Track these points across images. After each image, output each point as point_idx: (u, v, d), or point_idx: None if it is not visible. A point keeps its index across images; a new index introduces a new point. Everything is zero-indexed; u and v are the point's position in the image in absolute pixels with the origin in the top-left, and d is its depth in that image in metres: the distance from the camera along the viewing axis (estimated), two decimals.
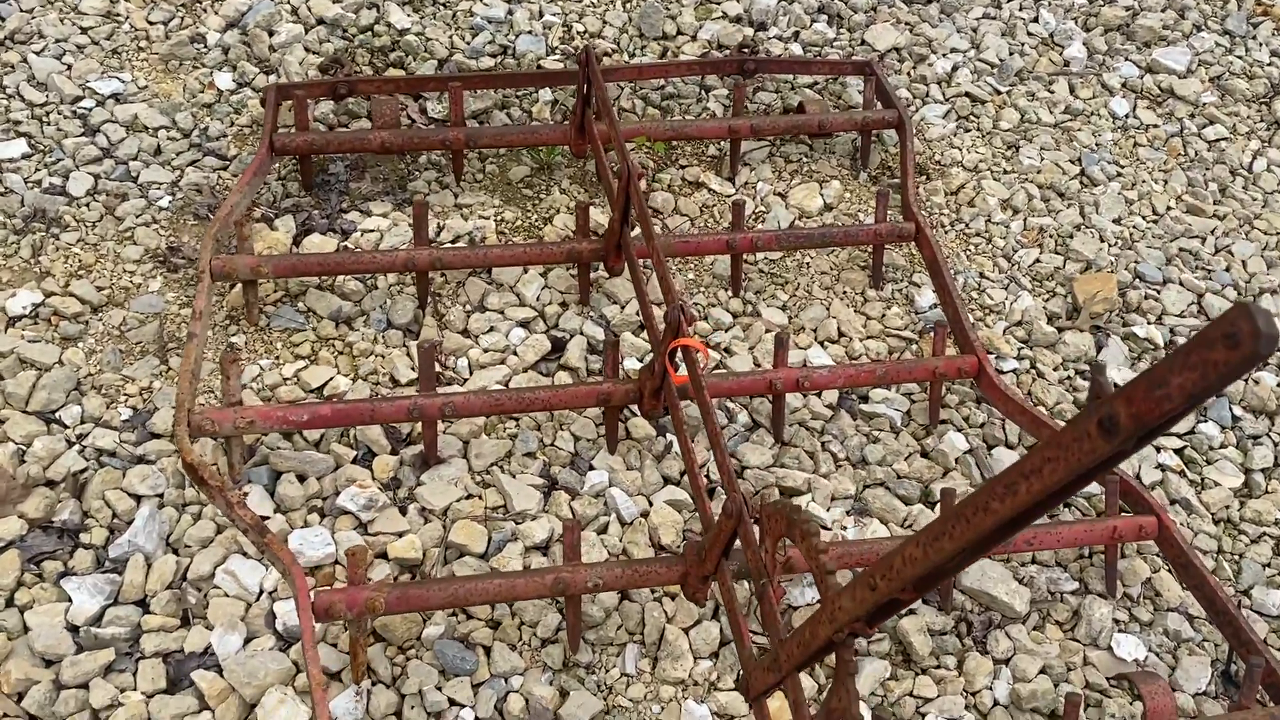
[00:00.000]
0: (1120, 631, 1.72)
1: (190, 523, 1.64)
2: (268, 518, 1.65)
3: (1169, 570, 1.80)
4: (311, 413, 1.63)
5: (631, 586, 1.51)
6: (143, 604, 1.56)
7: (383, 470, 1.73)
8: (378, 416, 1.65)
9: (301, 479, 1.71)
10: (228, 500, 1.48)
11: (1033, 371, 2.11)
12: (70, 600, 1.53)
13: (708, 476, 1.81)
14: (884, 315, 2.15)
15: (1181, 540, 1.69)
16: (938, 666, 1.64)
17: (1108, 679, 1.67)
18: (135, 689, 1.47)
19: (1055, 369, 2.13)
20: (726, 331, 2.05)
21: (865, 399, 1.99)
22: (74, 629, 1.51)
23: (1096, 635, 1.70)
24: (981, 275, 2.28)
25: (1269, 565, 1.90)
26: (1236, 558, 1.90)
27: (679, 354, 1.61)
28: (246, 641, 1.52)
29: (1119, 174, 2.57)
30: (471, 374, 1.90)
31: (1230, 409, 2.13)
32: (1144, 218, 2.47)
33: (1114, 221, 2.44)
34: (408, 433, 1.78)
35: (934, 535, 0.83)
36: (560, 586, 1.46)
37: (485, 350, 1.93)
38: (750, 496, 1.39)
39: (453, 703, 1.50)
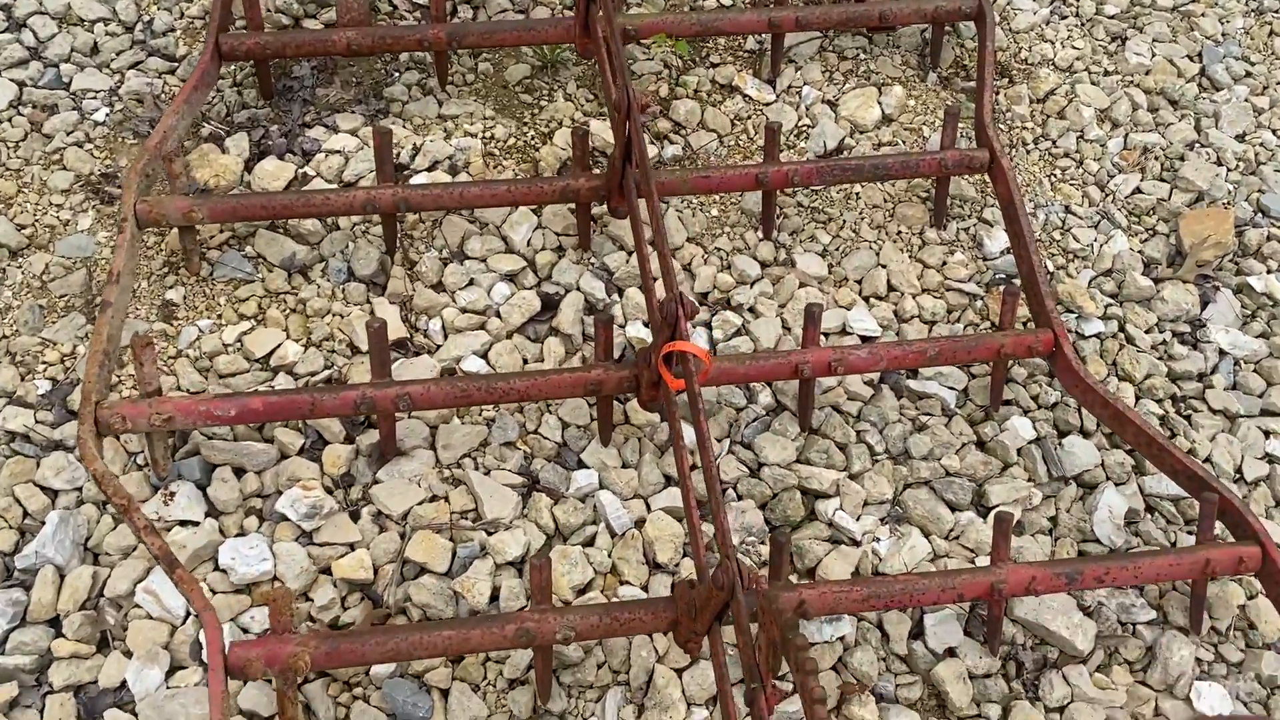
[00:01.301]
0: (1202, 677, 1.48)
1: (111, 526, 1.45)
2: (197, 523, 1.45)
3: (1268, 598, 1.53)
4: (240, 406, 1.40)
5: (610, 635, 1.29)
6: (54, 624, 1.38)
7: (334, 464, 1.51)
8: (319, 410, 1.42)
9: (239, 473, 1.50)
10: (134, 524, 1.27)
11: (1121, 335, 1.80)
12: None
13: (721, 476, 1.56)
14: (945, 263, 1.84)
15: None
16: (977, 716, 1.42)
17: None
18: None
19: (1148, 331, 1.81)
20: (752, 287, 1.76)
21: (914, 374, 1.71)
22: None
23: (1173, 681, 1.46)
24: (1067, 210, 1.94)
25: None
26: None
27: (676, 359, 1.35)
28: (170, 673, 1.35)
29: (1248, 73, 2.17)
30: (446, 339, 1.65)
31: None
32: (1275, 133, 2.08)
33: (1237, 138, 2.06)
34: (365, 416, 1.55)
35: None
36: (525, 638, 1.25)
37: (463, 310, 1.67)
38: (748, 570, 1.14)
39: None
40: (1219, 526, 1.51)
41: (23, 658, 1.34)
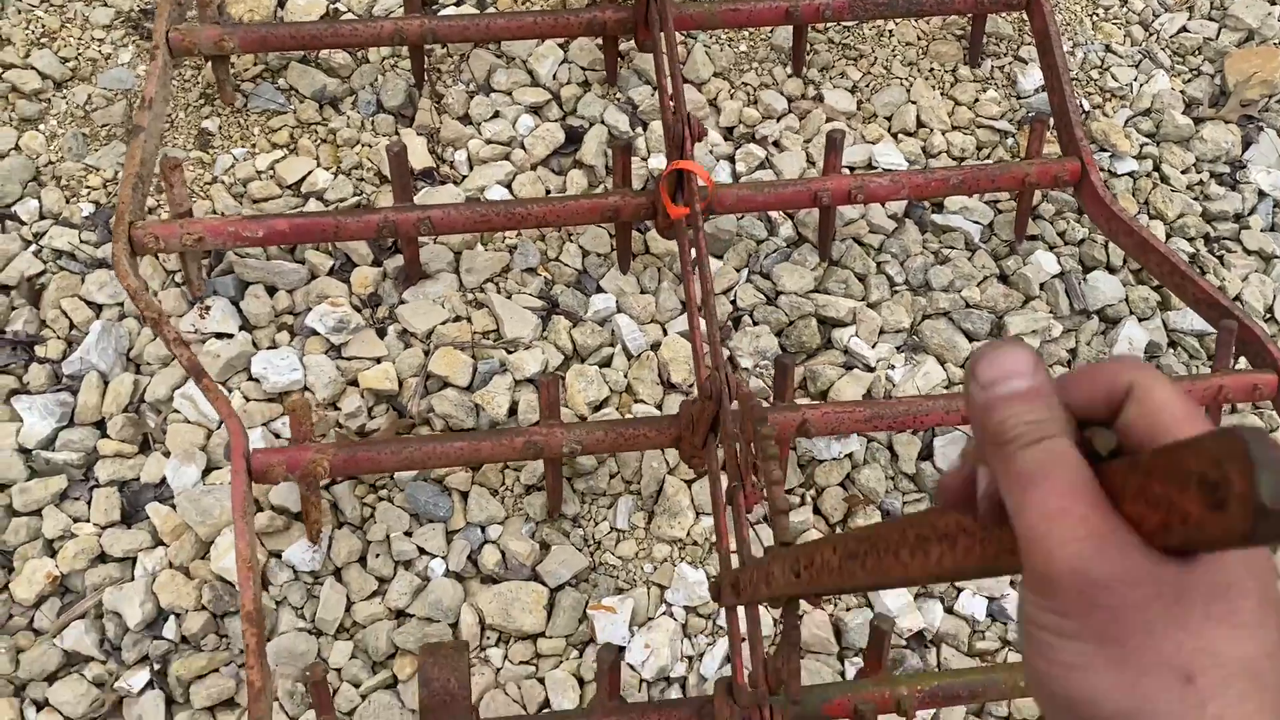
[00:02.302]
0: None
1: (150, 338, 1.53)
2: (231, 335, 1.53)
3: None
4: (267, 227, 1.47)
5: (617, 450, 1.35)
6: (100, 426, 1.48)
7: (362, 284, 1.58)
8: (343, 232, 1.48)
9: (271, 291, 1.57)
10: (164, 335, 1.35)
11: (1155, 175, 1.78)
12: (21, 421, 1.46)
13: (734, 303, 1.60)
14: (977, 100, 1.83)
15: None
16: None
17: None
18: (88, 520, 1.42)
19: (1184, 171, 1.79)
20: (778, 121, 1.77)
21: (939, 207, 1.72)
22: (25, 452, 1.45)
23: None
24: (1107, 49, 1.91)
25: None
26: None
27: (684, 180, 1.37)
28: (206, 473, 1.45)
29: None
30: (471, 170, 1.70)
31: None
32: None
33: None
34: (393, 240, 1.61)
35: (850, 552, 0.64)
36: (533, 450, 1.32)
37: (488, 142, 1.71)
38: (736, 381, 1.18)
39: (423, 552, 1.41)
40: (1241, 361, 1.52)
41: (71, 454, 1.45)
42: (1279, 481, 0.34)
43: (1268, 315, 1.68)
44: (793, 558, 0.80)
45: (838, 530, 1.45)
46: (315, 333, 1.53)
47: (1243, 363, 1.51)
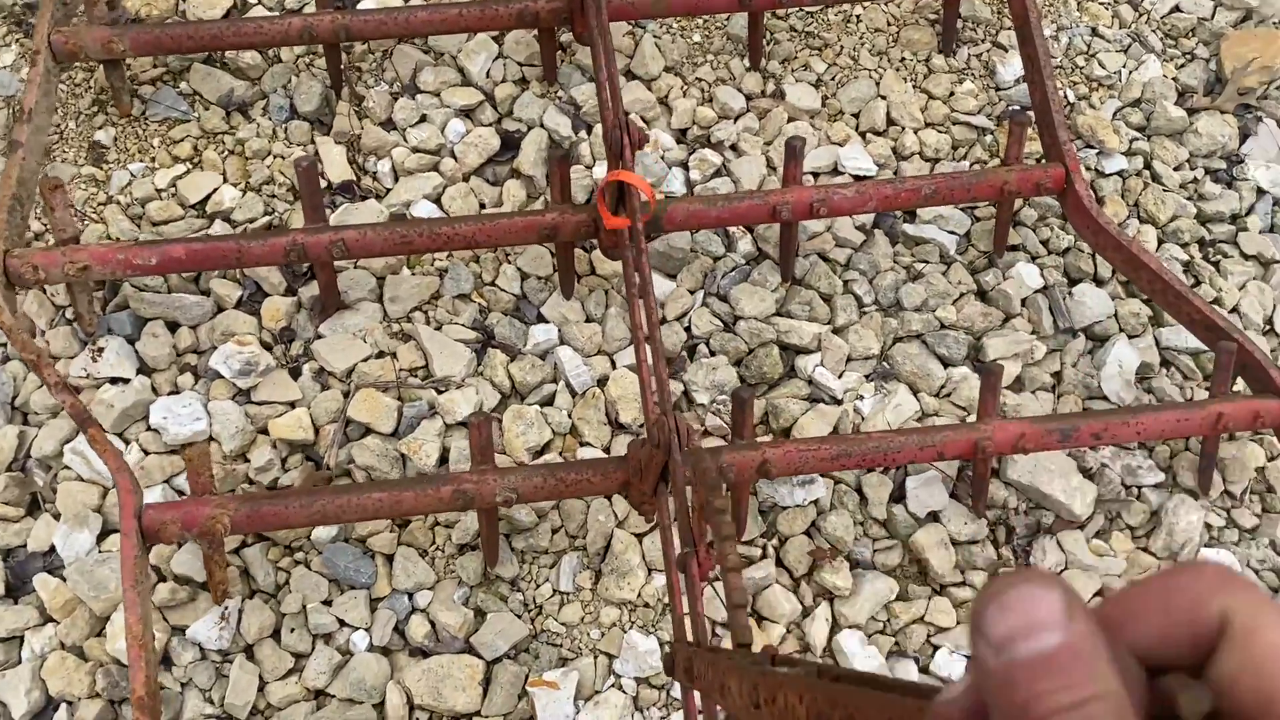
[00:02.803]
0: (1211, 544, 1.39)
1: (37, 384, 1.38)
2: (127, 380, 1.38)
3: None
4: (161, 254, 1.31)
5: (557, 497, 1.22)
6: None
7: (273, 317, 1.43)
8: (246, 258, 1.33)
9: (172, 328, 1.42)
10: (46, 379, 1.21)
11: (1146, 173, 1.65)
12: None
13: (688, 330, 1.47)
14: (952, 94, 1.68)
15: None
16: (961, 584, 1.34)
17: None
18: None
19: (1177, 168, 1.66)
20: (736, 122, 1.62)
21: (911, 216, 1.58)
22: None
23: (1178, 548, 1.37)
24: (1094, 32, 1.76)
25: None
26: None
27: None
28: (102, 538, 1.31)
29: None
30: (396, 182, 1.55)
31: None
32: None
33: None
34: (307, 266, 1.46)
35: (819, 714, 0.50)
36: (462, 499, 1.19)
37: (414, 150, 1.56)
38: (686, 427, 1.05)
39: (343, 624, 1.28)
40: (1239, 384, 1.40)
41: None
42: None
43: (1267, 327, 1.56)
44: (751, 683, 0.67)
45: (802, 585, 1.33)
46: (220, 375, 1.38)
47: (1240, 385, 1.40)
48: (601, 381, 1.41)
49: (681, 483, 1.01)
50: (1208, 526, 1.40)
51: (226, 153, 1.56)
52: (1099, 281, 1.55)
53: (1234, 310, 1.56)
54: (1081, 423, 1.28)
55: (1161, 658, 0.31)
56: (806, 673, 0.56)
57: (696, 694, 1.01)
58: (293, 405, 1.38)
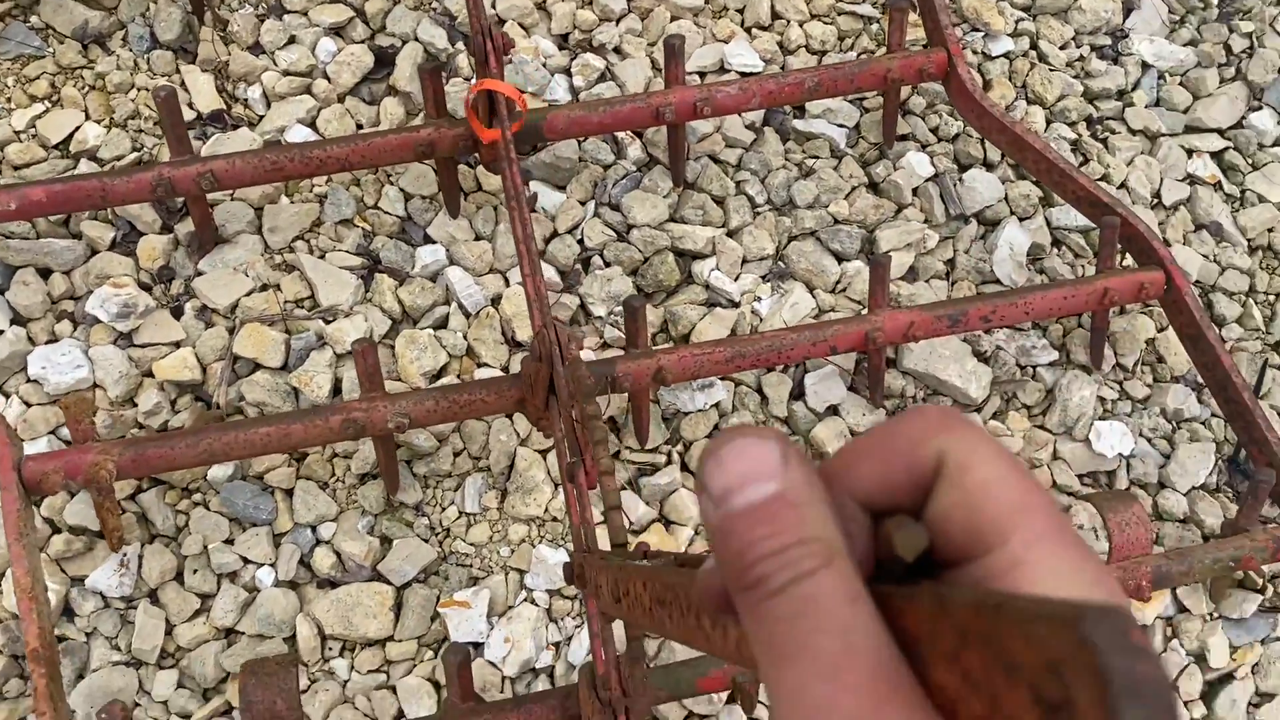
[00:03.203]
0: (1104, 417, 1.43)
1: None
2: (1, 332, 1.34)
3: None
4: (19, 198, 1.26)
5: (452, 419, 1.21)
6: None
7: (150, 256, 1.39)
8: (111, 197, 1.28)
9: (45, 274, 1.38)
10: None
11: (1032, 53, 1.65)
12: None
13: (581, 242, 1.45)
14: None
15: (1193, 305, 1.35)
16: None
17: (1080, 478, 1.40)
18: None
19: (1063, 47, 1.67)
20: (617, 24, 1.59)
21: (801, 112, 1.57)
22: None
23: (1073, 423, 1.41)
24: None
25: None
26: (1271, 299, 1.56)
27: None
28: None
29: None
30: (268, 108, 1.50)
31: None
32: None
33: None
34: (181, 203, 1.42)
35: (658, 598, 0.51)
36: (353, 428, 1.17)
37: (284, 73, 1.51)
38: (568, 336, 1.05)
39: (247, 561, 1.27)
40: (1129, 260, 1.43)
41: None
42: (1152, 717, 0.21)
43: (1155, 200, 1.59)
44: (613, 579, 0.68)
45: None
46: (99, 320, 1.34)
47: (1129, 260, 1.42)
48: (495, 300, 1.40)
49: (565, 394, 1.01)
50: (1101, 400, 1.44)
51: (87, 88, 1.50)
52: (989, 166, 1.56)
53: (1122, 186, 1.58)
54: (970, 307, 1.30)
55: (886, 503, 0.32)
56: (653, 563, 0.57)
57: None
58: (177, 345, 1.35)
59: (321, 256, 1.40)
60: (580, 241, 1.45)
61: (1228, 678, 1.33)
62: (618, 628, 1.11)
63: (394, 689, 1.23)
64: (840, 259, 1.47)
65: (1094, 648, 0.22)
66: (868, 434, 0.33)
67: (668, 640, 1.26)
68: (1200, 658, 1.33)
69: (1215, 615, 1.35)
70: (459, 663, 1.07)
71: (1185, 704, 1.31)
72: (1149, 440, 1.43)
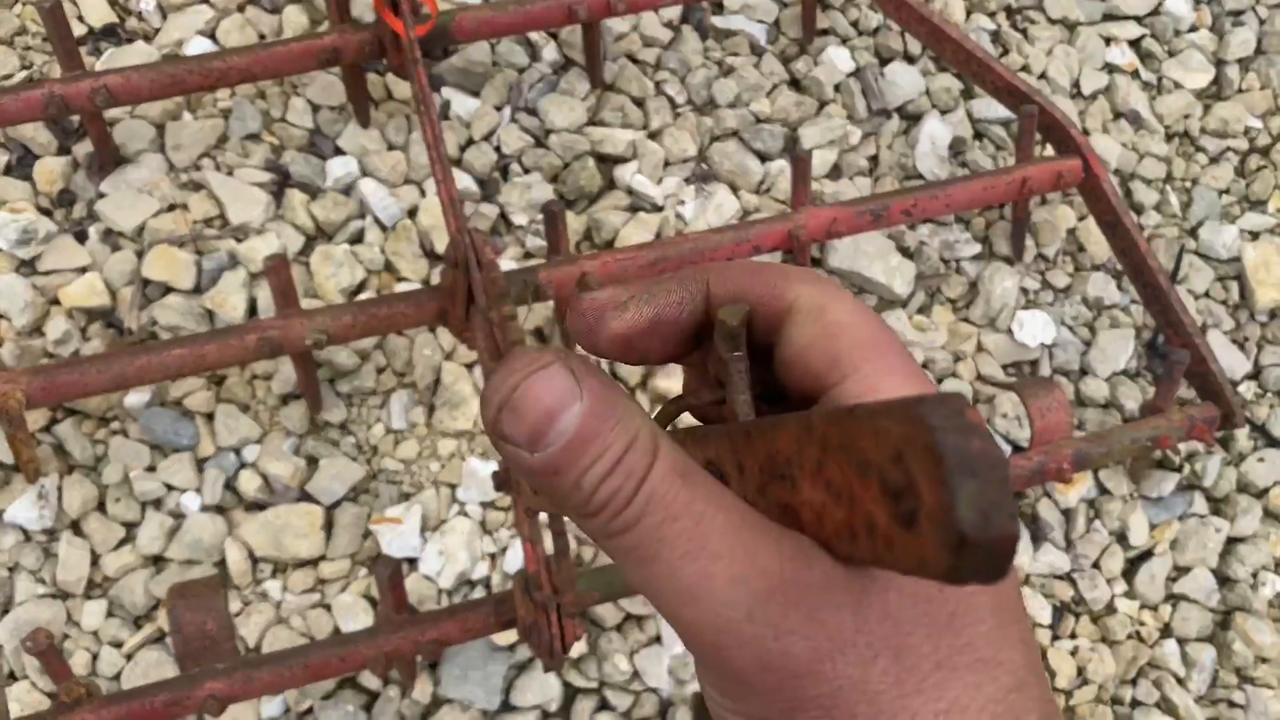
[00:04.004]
0: (1026, 307, 1.45)
1: None
2: None
3: None
4: None
5: (371, 334, 1.20)
6: None
7: (48, 180, 1.34)
8: (1, 118, 1.23)
9: None
10: None
11: None
12: None
13: (498, 149, 1.43)
14: None
15: (1110, 192, 1.37)
16: None
17: (1004, 368, 1.43)
18: None
19: None
20: None
21: (719, 8, 1.55)
22: None
23: (995, 314, 1.43)
24: None
25: (1227, 192, 1.59)
26: (1189, 185, 1.58)
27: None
28: None
29: None
30: (164, 20, 1.44)
31: None
32: None
33: None
34: (78, 123, 1.37)
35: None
36: (269, 347, 1.16)
37: None
38: (483, 241, 1.03)
39: (170, 488, 1.25)
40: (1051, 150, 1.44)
41: None
42: (982, 494, 0.22)
43: (1074, 90, 1.60)
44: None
45: (637, 394, 1.35)
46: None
47: (1050, 150, 1.44)
48: (412, 212, 1.37)
49: (483, 300, 1.00)
50: (1023, 290, 1.46)
51: None
52: (910, 59, 1.56)
53: (1042, 76, 1.59)
54: (891, 201, 1.30)
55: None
56: None
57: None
58: (83, 271, 1.31)
59: (229, 174, 1.37)
60: (497, 149, 1.42)
61: (1147, 554, 1.39)
62: (548, 538, 1.12)
63: (329, 607, 1.24)
64: (763, 158, 1.46)
65: (930, 428, 0.22)
66: (736, 267, 0.34)
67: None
68: (1121, 537, 1.38)
69: (1135, 495, 1.40)
70: (390, 574, 1.08)
71: (1107, 581, 1.36)
72: (1070, 329, 1.46)
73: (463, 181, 1.38)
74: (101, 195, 1.34)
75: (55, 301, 1.30)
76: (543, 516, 1.02)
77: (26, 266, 1.31)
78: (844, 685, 0.30)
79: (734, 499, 0.30)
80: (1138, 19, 1.66)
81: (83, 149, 1.36)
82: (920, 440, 0.23)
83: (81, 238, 1.33)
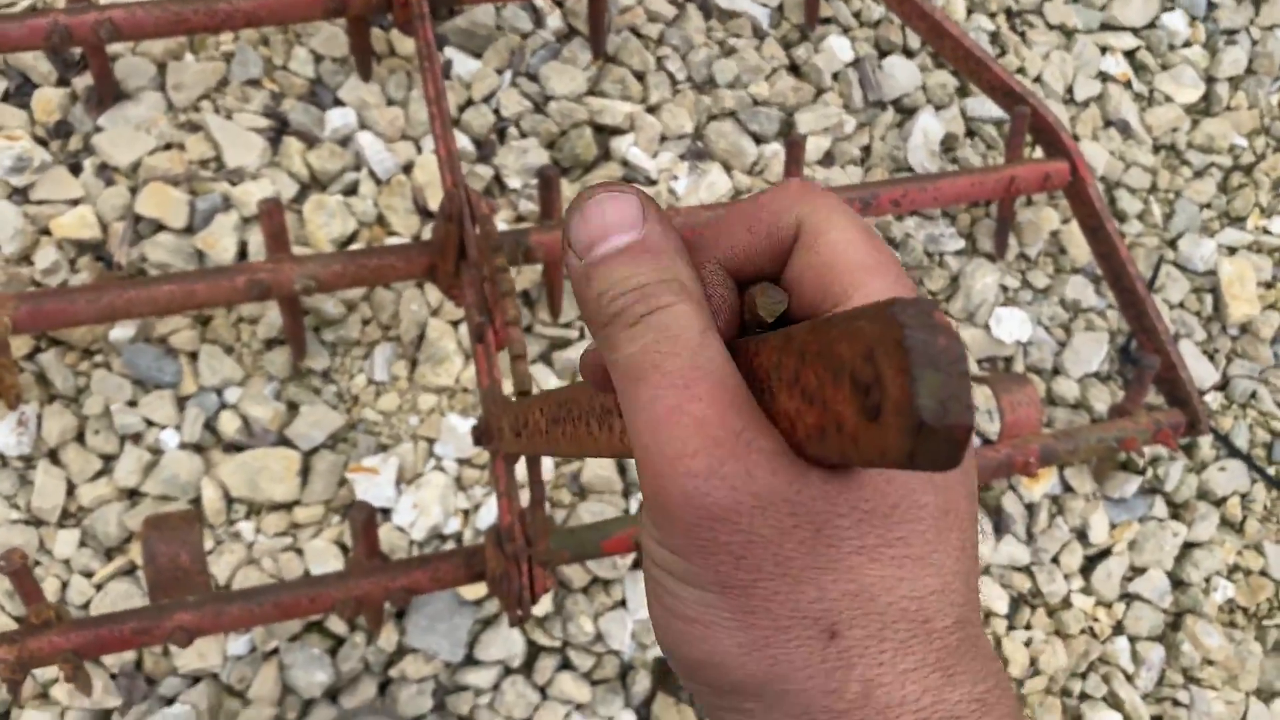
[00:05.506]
0: (1005, 305, 1.49)
1: None
2: None
3: None
4: None
5: (360, 284, 1.22)
6: None
7: (46, 110, 1.35)
8: (3, 43, 1.24)
9: None
10: None
11: None
12: None
13: (497, 112, 1.45)
14: None
15: (1095, 197, 1.40)
16: None
17: (979, 362, 1.46)
18: None
19: None
20: None
21: None
22: None
23: (974, 310, 1.46)
24: None
25: (1208, 206, 1.63)
26: (1171, 197, 1.62)
27: None
28: None
29: None
30: None
31: None
32: None
33: None
34: (80, 55, 1.37)
35: (553, 417, 0.54)
36: (258, 289, 1.17)
37: None
38: (478, 196, 1.05)
39: (150, 424, 1.27)
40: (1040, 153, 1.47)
41: None
42: (943, 386, 0.25)
43: (1067, 96, 1.63)
44: (513, 415, 0.71)
45: None
46: None
47: (1039, 152, 1.47)
48: (407, 168, 1.39)
49: (475, 252, 1.02)
50: (1003, 288, 1.50)
51: None
52: (909, 53, 1.59)
53: (1037, 80, 1.62)
54: (880, 190, 1.33)
55: (752, 271, 0.35)
56: (547, 391, 0.60)
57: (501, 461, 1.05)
58: (75, 203, 1.32)
59: (228, 117, 1.38)
60: (496, 111, 1.44)
61: (1105, 553, 1.42)
62: (523, 494, 1.14)
63: (300, 551, 1.26)
64: (759, 140, 1.49)
65: (899, 325, 0.25)
66: (735, 206, 0.36)
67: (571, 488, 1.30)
68: (1081, 534, 1.42)
69: (1098, 495, 1.44)
70: (364, 519, 1.10)
71: (1065, 576, 1.40)
72: (1046, 328, 1.50)
73: (460, 142, 1.40)
74: (99, 129, 1.35)
75: (46, 231, 1.31)
76: (519, 469, 1.05)
77: (19, 195, 1.32)
78: (756, 541, 0.31)
79: (738, 378, 0.32)
80: (1134, 30, 1.70)
81: (82, 82, 1.37)
82: (890, 337, 0.25)
83: (76, 170, 1.34)
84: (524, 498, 1.12)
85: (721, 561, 0.32)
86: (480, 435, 1.08)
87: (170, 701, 1.19)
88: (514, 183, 1.41)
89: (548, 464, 1.31)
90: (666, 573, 0.33)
